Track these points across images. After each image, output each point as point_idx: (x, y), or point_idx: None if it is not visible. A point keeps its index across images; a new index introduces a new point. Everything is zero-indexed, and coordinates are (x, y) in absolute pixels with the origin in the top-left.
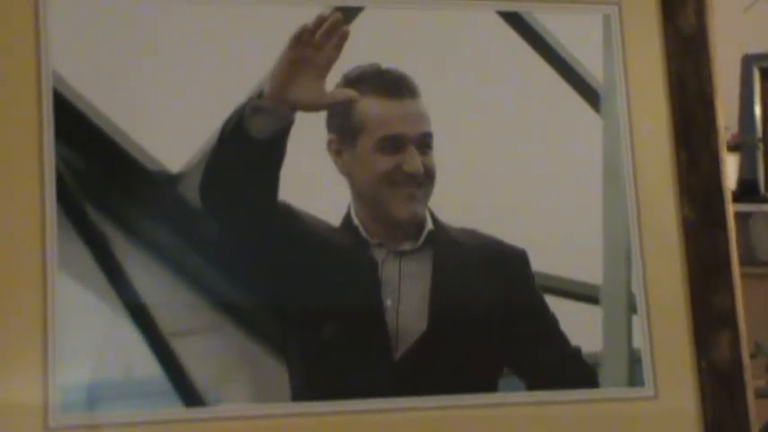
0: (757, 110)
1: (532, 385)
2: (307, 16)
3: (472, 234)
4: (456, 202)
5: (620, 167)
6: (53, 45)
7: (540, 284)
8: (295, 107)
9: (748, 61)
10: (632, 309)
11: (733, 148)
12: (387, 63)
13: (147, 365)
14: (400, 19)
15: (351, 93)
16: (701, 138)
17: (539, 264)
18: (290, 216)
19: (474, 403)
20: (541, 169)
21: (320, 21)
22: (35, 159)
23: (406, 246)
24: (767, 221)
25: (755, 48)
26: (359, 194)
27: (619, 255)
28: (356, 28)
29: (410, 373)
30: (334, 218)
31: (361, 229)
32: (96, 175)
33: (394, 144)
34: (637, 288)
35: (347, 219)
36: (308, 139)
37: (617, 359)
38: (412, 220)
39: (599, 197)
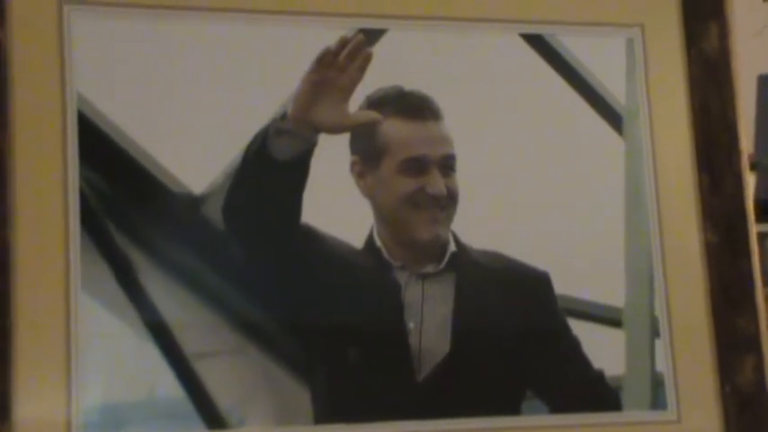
0: None
1: (555, 408)
2: (330, 38)
3: (495, 256)
4: (479, 224)
5: (643, 190)
6: (77, 66)
7: (563, 307)
8: (318, 129)
9: (764, 82)
10: (655, 332)
11: (748, 168)
12: (410, 85)
13: (169, 387)
14: (423, 41)
15: (374, 115)
16: (724, 161)
17: (561, 286)
18: (313, 238)
19: (497, 426)
20: (564, 191)
21: (343, 43)
22: (59, 180)
23: (429, 268)
24: None
25: None
26: (382, 217)
27: (641, 278)
28: (379, 50)
29: (433, 395)
30: (356, 240)
31: (383, 251)
32: (120, 196)
33: (417, 166)
34: (659, 311)
35: (370, 241)
36: (331, 161)
37: (640, 382)
38: (435, 242)
39: (621, 220)
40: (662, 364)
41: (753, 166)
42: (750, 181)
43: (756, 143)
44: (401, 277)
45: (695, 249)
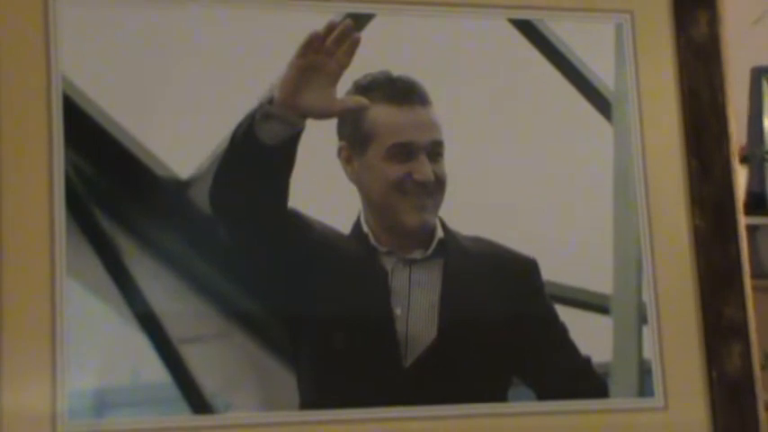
0: (766, 122)
1: (542, 395)
2: (318, 22)
3: (482, 243)
4: (466, 210)
5: (632, 176)
6: (63, 50)
7: (551, 294)
8: (305, 114)
9: (757, 74)
10: (643, 319)
11: (741, 160)
12: (398, 70)
13: (155, 372)
14: (412, 26)
15: (362, 100)
16: (713, 147)
17: (549, 273)
18: (300, 223)
19: (483, 412)
20: (552, 178)
21: (331, 27)
22: (44, 164)
23: (416, 254)
24: None
25: (764, 60)
26: (369, 202)
27: (629, 264)
28: (367, 35)
29: (420, 381)
30: (343, 226)
31: (370, 237)
32: (106, 180)
33: (404, 152)
34: (647, 298)
35: (357, 226)
36: (319, 146)
37: (627, 369)
38: (422, 228)
39: (610, 206)
40: (649, 351)
41: (745, 159)
42: (742, 173)
43: (749, 135)
44: (388, 263)
45: (683, 236)
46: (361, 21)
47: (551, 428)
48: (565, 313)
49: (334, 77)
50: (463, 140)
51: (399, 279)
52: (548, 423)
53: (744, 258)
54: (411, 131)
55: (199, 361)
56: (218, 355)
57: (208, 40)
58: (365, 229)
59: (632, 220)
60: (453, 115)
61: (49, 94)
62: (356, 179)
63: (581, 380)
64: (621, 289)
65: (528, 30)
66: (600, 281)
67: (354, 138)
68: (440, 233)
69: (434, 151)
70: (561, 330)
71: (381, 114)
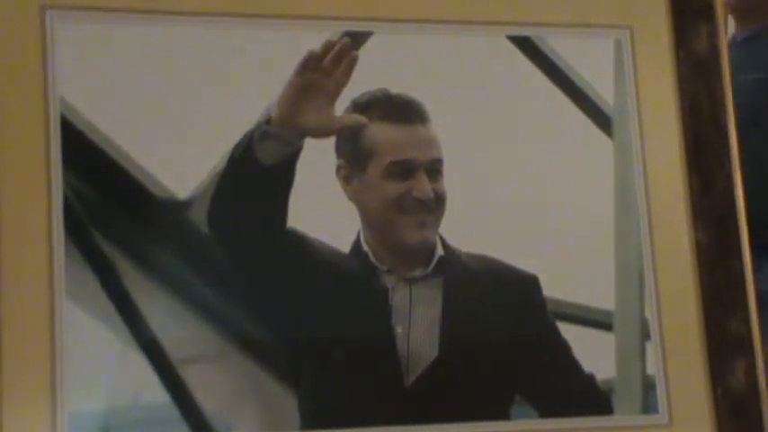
0: None
1: (545, 413)
2: (315, 41)
3: (483, 260)
4: (467, 227)
5: (633, 192)
6: (60, 71)
7: (552, 310)
8: (304, 133)
9: None
10: (646, 335)
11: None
12: (396, 88)
13: (155, 393)
14: (410, 44)
15: (360, 118)
16: (715, 161)
17: (550, 289)
18: (300, 243)
19: (486, 431)
20: (553, 194)
21: (328, 46)
22: (43, 186)
23: (417, 272)
24: None
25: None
26: (368, 221)
27: (632, 280)
28: (365, 53)
29: (421, 400)
30: (343, 244)
31: (370, 255)
32: (104, 202)
33: (404, 170)
34: (650, 313)
35: (356, 245)
36: (317, 165)
37: (631, 386)
38: (422, 246)
39: (611, 222)
40: (653, 368)
41: None
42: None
43: None
44: (388, 281)
45: (686, 250)
46: (358, 39)
47: None
48: (567, 330)
49: (333, 96)
50: (462, 158)
51: (400, 297)
52: None
53: (747, 273)
54: (410, 149)
55: (199, 382)
56: (219, 376)
57: (206, 59)
58: (365, 247)
59: (634, 235)
60: (452, 132)
61: (46, 115)
62: (355, 197)
63: (584, 397)
64: (624, 305)
65: (527, 46)
66: (602, 297)
67: (353, 156)
68: (440, 251)
69: (434, 169)
70: (563, 347)
71: (380, 132)
